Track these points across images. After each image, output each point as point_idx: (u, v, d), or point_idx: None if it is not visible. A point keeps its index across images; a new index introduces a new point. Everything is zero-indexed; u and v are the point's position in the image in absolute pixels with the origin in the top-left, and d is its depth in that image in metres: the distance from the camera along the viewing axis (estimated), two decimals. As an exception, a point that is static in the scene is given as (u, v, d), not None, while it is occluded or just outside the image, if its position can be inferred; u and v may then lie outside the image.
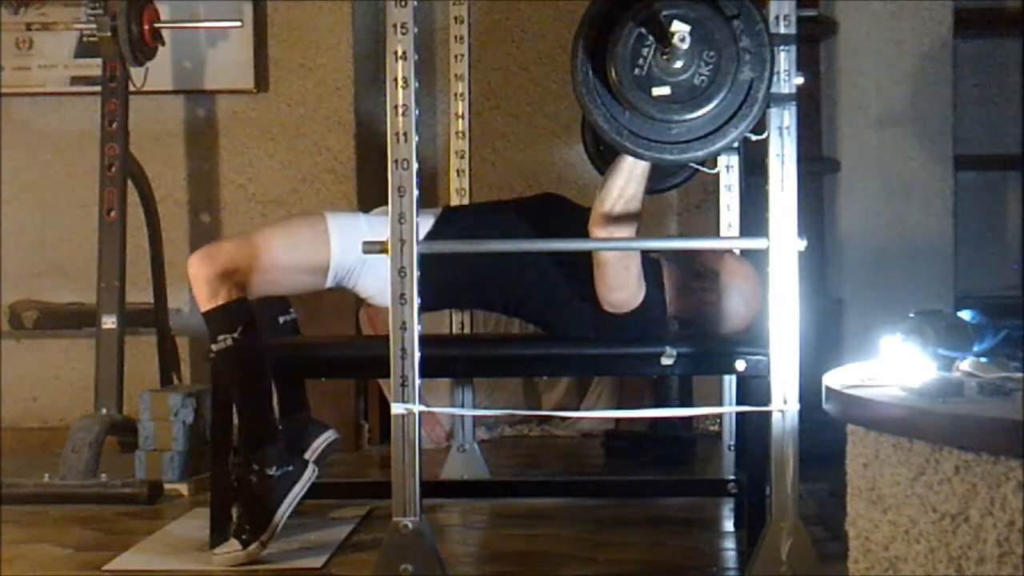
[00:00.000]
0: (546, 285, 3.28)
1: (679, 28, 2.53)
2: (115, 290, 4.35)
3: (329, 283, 3.30)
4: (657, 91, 2.58)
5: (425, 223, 3.20)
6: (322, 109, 5.15)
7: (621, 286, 3.15)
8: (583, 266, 3.19)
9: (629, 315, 3.19)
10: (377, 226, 3.24)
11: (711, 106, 2.61)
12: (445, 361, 3.27)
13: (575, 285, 3.22)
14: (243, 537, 3.17)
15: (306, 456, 3.39)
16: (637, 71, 2.59)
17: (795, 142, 2.71)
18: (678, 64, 2.57)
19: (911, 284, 4.81)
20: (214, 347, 3.19)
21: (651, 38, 2.58)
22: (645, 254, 3.34)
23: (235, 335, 3.16)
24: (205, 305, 3.19)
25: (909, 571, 2.12)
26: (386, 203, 2.77)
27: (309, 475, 3.25)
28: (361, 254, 3.21)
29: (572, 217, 3.27)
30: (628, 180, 2.98)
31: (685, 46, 2.54)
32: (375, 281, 3.25)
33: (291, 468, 3.22)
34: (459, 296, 3.40)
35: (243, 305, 3.20)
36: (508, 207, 3.47)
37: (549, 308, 3.31)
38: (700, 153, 2.66)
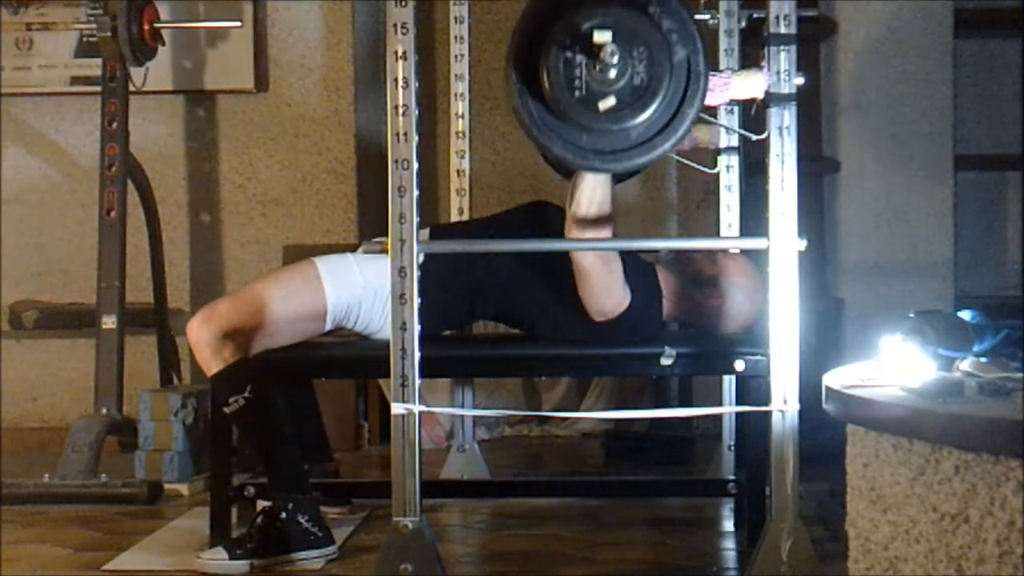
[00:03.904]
0: (536, 298, 3.28)
1: (603, 38, 2.51)
2: (115, 290, 4.35)
3: (328, 326, 3.32)
4: (603, 104, 2.56)
5: None
6: (322, 109, 5.15)
7: (608, 291, 3.15)
8: (572, 277, 3.20)
9: (621, 320, 3.19)
10: (365, 264, 3.30)
11: (659, 99, 2.60)
12: (445, 361, 3.27)
13: (566, 296, 3.21)
14: (237, 551, 3.15)
15: None
16: (577, 93, 2.57)
17: (795, 142, 2.71)
18: (613, 73, 2.56)
19: (911, 284, 4.81)
20: (227, 409, 3.20)
21: (578, 57, 2.56)
22: (638, 259, 3.34)
23: (246, 394, 3.18)
24: (210, 369, 3.21)
25: (909, 571, 2.12)
26: (386, 204, 2.77)
27: (329, 552, 3.22)
28: (357, 294, 3.27)
29: (561, 221, 3.28)
30: (594, 187, 2.96)
31: (615, 59, 2.54)
32: (375, 316, 3.30)
33: (320, 534, 3.21)
34: (457, 315, 3.39)
35: (248, 364, 3.21)
36: (497, 221, 3.49)
37: (540, 320, 3.32)
38: (666, 145, 2.66)
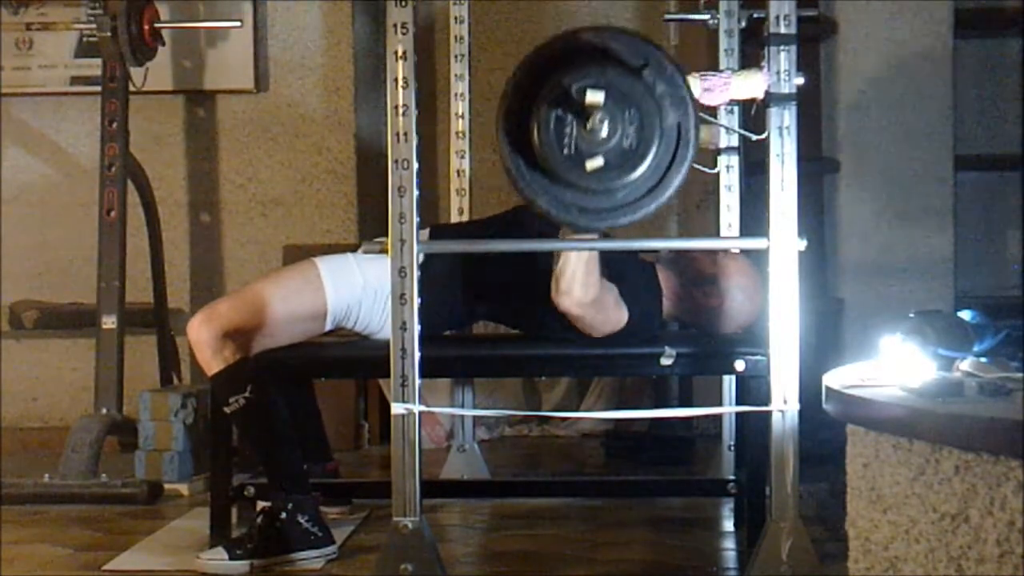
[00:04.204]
0: (536, 298, 3.28)
1: (595, 99, 2.51)
2: (115, 290, 4.35)
3: (328, 327, 3.32)
4: (591, 164, 2.56)
5: None
6: (322, 109, 5.15)
7: (604, 322, 3.15)
8: None
9: (621, 331, 3.19)
10: (365, 264, 3.30)
11: (647, 163, 2.59)
12: (445, 361, 3.28)
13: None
14: (237, 551, 3.15)
15: None
16: (566, 151, 2.57)
17: (795, 142, 2.71)
18: (603, 133, 2.56)
19: (911, 284, 4.81)
20: (227, 409, 3.20)
21: (569, 116, 2.55)
22: (637, 259, 3.34)
23: (246, 394, 3.18)
24: (210, 368, 3.21)
25: (909, 571, 2.12)
26: (386, 204, 2.77)
27: (329, 552, 3.22)
28: (357, 294, 3.28)
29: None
30: (578, 259, 2.97)
31: (604, 126, 2.54)
32: (375, 316, 3.30)
33: (320, 533, 3.21)
34: (457, 316, 3.40)
35: (248, 364, 3.22)
36: (497, 221, 3.50)
37: (539, 321, 3.32)
38: (651, 208, 2.65)
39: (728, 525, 3.61)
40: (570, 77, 2.54)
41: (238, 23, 4.88)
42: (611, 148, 2.57)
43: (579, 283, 3.02)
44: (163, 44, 4.65)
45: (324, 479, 3.53)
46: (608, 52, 2.60)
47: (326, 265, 3.32)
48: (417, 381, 2.75)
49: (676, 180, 2.64)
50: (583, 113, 2.54)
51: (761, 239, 2.76)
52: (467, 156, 4.11)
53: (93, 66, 4.75)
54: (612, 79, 2.55)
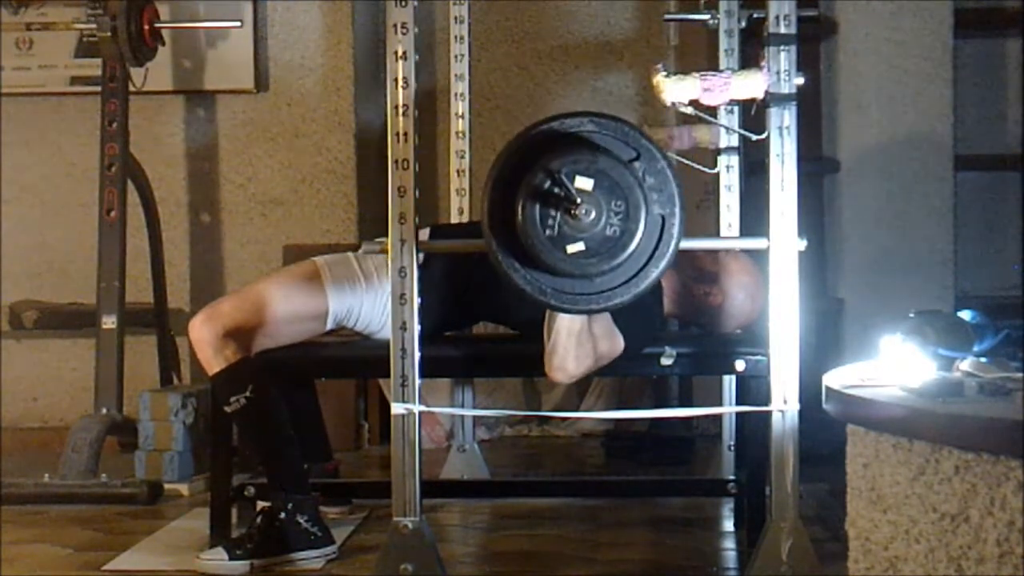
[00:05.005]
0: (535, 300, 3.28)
1: (584, 185, 2.53)
2: (115, 290, 4.35)
3: (330, 326, 3.32)
4: (571, 248, 2.57)
5: None
6: (322, 109, 5.15)
7: (603, 364, 3.09)
8: None
9: (623, 354, 3.17)
10: (366, 264, 3.31)
11: (627, 253, 2.61)
12: (445, 361, 3.27)
13: None
14: (237, 552, 3.15)
15: None
16: (548, 232, 2.58)
17: (795, 142, 2.71)
18: (588, 220, 2.57)
19: (911, 284, 4.80)
20: (227, 408, 3.20)
21: (555, 199, 2.56)
22: None
23: (247, 394, 3.18)
24: (212, 367, 3.21)
25: (909, 571, 2.12)
26: (386, 204, 2.77)
27: (329, 552, 3.22)
28: (358, 294, 3.27)
29: None
30: (572, 319, 2.95)
31: (592, 213, 2.54)
32: (375, 316, 3.30)
33: (320, 533, 3.21)
34: (457, 316, 3.40)
35: (249, 364, 3.22)
36: None
37: (540, 323, 3.31)
38: (626, 297, 2.66)
39: (728, 525, 3.61)
40: (561, 161, 2.55)
41: (238, 23, 4.88)
42: (594, 234, 2.58)
43: (572, 358, 2.99)
44: (163, 44, 4.66)
45: (324, 479, 3.53)
46: (601, 140, 2.62)
47: (327, 265, 3.32)
48: (417, 381, 2.75)
49: (654, 273, 2.66)
50: (570, 197, 2.55)
51: (761, 239, 2.76)
52: (467, 156, 4.11)
53: (93, 66, 4.75)
54: (603, 167, 2.57)
